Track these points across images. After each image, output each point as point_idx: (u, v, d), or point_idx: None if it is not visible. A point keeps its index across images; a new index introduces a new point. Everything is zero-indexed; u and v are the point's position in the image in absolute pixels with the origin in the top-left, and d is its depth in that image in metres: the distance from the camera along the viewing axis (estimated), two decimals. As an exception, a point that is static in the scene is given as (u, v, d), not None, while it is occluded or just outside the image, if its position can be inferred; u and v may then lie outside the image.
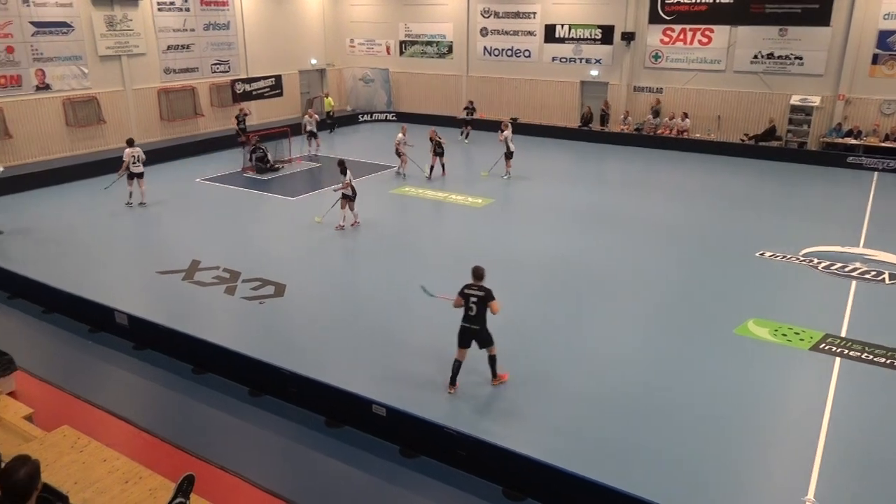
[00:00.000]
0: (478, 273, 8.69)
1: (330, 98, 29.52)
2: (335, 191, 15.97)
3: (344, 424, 8.32)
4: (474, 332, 8.71)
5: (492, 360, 9.03)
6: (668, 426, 8.36)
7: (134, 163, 17.33)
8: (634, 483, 6.81)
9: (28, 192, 18.70)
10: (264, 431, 8.32)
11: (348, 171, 15.36)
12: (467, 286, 8.66)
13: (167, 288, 12.59)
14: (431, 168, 20.53)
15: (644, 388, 9.22)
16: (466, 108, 27.43)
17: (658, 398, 8.97)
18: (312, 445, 8.01)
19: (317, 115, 24.70)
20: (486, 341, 8.84)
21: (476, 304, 8.56)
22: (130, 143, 17.57)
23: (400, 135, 20.59)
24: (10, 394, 8.56)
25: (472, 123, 26.95)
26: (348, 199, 15.49)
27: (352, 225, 15.82)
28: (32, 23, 21.17)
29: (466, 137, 26.51)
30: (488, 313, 8.64)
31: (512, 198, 19.19)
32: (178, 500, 4.83)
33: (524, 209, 18.19)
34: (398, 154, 20.68)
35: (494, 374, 9.14)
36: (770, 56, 24.28)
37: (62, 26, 22.02)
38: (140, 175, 17.53)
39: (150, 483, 5.76)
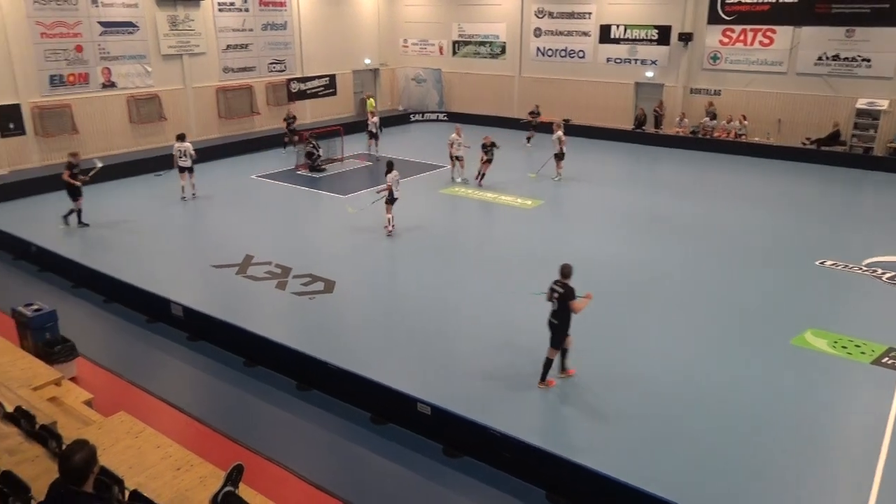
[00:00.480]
0: (563, 271, 8.94)
1: (372, 99, 29.76)
2: (377, 192, 16.05)
3: (389, 421, 8.38)
4: (553, 325, 8.98)
5: (547, 362, 9.13)
6: (717, 437, 8.14)
7: (181, 157, 17.90)
8: (680, 493, 6.66)
9: (92, 187, 19.34)
10: (311, 425, 8.46)
11: (389, 174, 15.12)
12: (555, 282, 8.95)
13: (221, 281, 12.91)
14: (482, 175, 19.80)
15: (694, 396, 9.01)
16: (532, 112, 26.84)
17: (708, 407, 8.75)
18: (357, 441, 8.10)
19: (377, 117, 24.84)
20: (554, 339, 9.02)
21: (557, 299, 8.86)
22: (180, 138, 18.13)
23: (454, 135, 20.20)
24: (72, 379, 8.92)
25: (538, 127, 26.10)
26: (388, 202, 15.30)
27: (384, 227, 15.52)
28: (101, 23, 21.99)
29: (529, 141, 25.90)
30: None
31: (562, 200, 19.01)
32: (227, 488, 4.95)
33: (574, 211, 18.01)
34: (452, 157, 20.20)
35: (543, 378, 9.17)
36: (836, 58, 23.40)
37: (128, 26, 22.81)
38: (189, 170, 18.10)
39: (201, 471, 5.91)
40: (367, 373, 8.69)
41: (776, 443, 8.06)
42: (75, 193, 15.69)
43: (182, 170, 18.09)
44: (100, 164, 16.50)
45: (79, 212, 15.93)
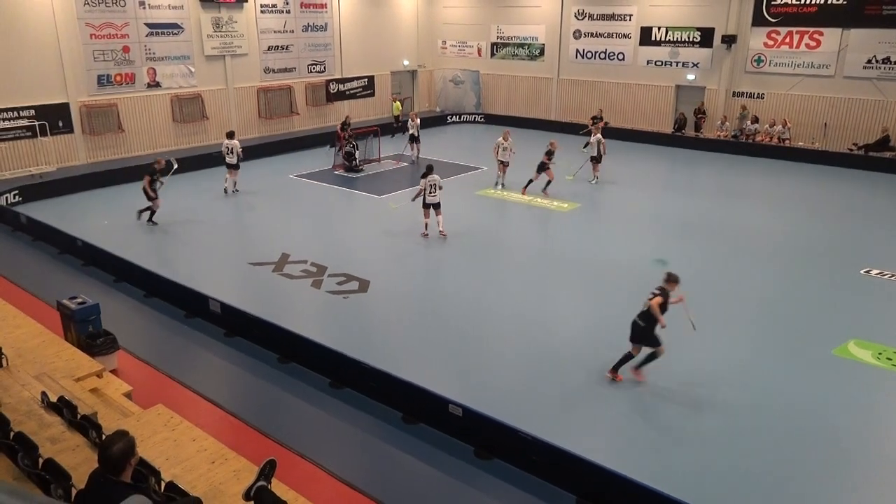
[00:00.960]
0: (667, 277, 9.13)
1: (398, 102, 29.79)
2: (412, 200, 15.93)
3: (420, 421, 8.39)
4: (635, 324, 9.10)
5: (627, 356, 9.22)
6: (752, 447, 7.96)
7: (228, 154, 18.46)
8: (716, 503, 6.55)
9: (135, 184, 19.86)
10: (343, 423, 8.52)
11: (423, 179, 14.93)
12: (657, 287, 9.09)
13: (258, 279, 13.10)
14: (531, 182, 18.89)
15: (732, 405, 8.83)
16: (594, 117, 26.19)
17: (747, 417, 8.57)
18: (388, 440, 8.13)
19: (418, 119, 24.32)
20: (646, 340, 9.09)
21: (649, 301, 9.00)
22: (229, 135, 18.77)
23: (500, 139, 19.38)
24: (113, 371, 9.15)
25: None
26: (426, 206, 15.14)
27: (422, 235, 15.34)
28: (147, 24, 22.54)
29: (586, 147, 25.37)
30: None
31: (599, 203, 18.83)
32: (259, 483, 5.01)
33: (610, 215, 17.82)
34: (500, 162, 19.45)
35: (638, 366, 9.26)
36: (886, 61, 22.70)
37: (173, 27, 23.33)
38: (235, 166, 18.69)
39: (235, 465, 6.01)
40: (400, 372, 8.72)
41: (815, 456, 7.85)
42: (150, 197, 16.08)
43: (229, 166, 18.66)
44: (175, 165, 17.00)
45: (152, 211, 16.29)
